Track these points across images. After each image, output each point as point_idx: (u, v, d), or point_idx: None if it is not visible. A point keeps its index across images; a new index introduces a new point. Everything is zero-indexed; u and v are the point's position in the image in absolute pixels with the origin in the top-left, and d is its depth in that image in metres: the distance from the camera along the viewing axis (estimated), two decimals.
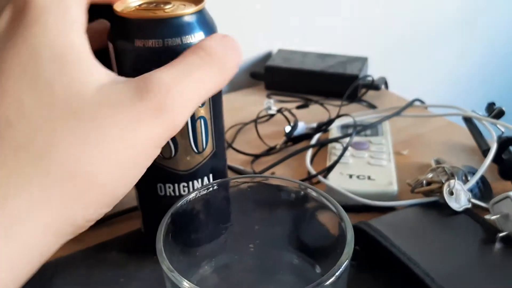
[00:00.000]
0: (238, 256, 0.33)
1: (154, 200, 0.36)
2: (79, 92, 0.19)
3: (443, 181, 0.42)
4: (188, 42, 0.27)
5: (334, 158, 0.49)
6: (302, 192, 0.30)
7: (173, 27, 0.28)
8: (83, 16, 0.22)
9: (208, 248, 0.32)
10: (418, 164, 0.51)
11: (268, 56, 0.77)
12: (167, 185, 0.35)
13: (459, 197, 0.41)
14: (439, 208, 0.41)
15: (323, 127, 0.54)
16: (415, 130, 0.58)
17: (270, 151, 0.54)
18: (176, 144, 0.34)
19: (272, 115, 0.60)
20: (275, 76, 0.69)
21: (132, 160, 0.20)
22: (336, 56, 0.72)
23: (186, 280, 0.22)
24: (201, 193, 0.29)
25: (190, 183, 0.36)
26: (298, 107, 0.62)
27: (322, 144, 0.52)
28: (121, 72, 0.28)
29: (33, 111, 0.19)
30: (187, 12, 0.28)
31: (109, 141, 0.19)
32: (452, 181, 0.41)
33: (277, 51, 0.75)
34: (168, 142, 0.33)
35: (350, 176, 0.46)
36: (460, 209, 0.40)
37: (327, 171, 0.46)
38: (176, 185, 0.35)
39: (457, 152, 0.53)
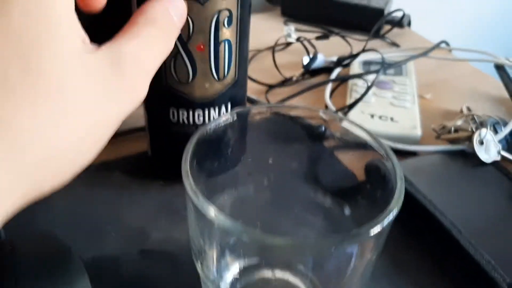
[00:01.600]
0: (254, 189, 0.31)
1: (165, 125, 0.34)
2: (62, 63, 0.18)
3: (473, 130, 0.39)
4: None
5: (356, 95, 0.46)
6: (327, 123, 0.28)
7: None
8: None
9: (225, 178, 0.30)
10: (442, 110, 0.48)
11: None
12: (181, 111, 0.33)
13: (489, 148, 0.38)
14: (466, 157, 0.39)
15: (345, 61, 0.51)
16: (440, 74, 0.55)
17: (286, 82, 0.50)
18: (194, 68, 0.31)
19: (289, 44, 0.56)
20: (293, 2, 0.64)
21: (100, 130, 0.20)
22: None
23: (213, 206, 0.19)
24: (226, 121, 0.26)
25: (206, 111, 0.33)
26: (318, 38, 0.58)
27: (343, 79, 0.49)
28: None
29: (18, 85, 0.17)
30: None
31: (77, 113, 0.18)
32: (483, 130, 0.39)
33: None
34: (185, 65, 0.31)
35: (372, 116, 0.43)
36: (489, 161, 0.38)
37: (348, 108, 0.43)
38: (190, 112, 0.33)
39: (483, 101, 0.50)
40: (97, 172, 0.37)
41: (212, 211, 0.19)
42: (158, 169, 0.38)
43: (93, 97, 0.19)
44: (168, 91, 0.32)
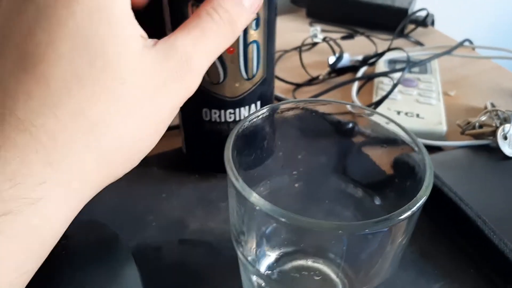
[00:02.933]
0: (287, 181, 0.32)
1: (198, 124, 0.36)
2: (126, 60, 0.20)
3: (497, 125, 0.40)
4: None
5: (382, 93, 0.47)
6: (359, 118, 0.29)
7: None
8: None
9: (260, 171, 0.31)
10: (466, 107, 0.49)
11: None
12: (213, 110, 0.34)
13: None
14: (490, 152, 0.40)
15: (371, 60, 0.52)
16: (463, 71, 0.56)
17: (313, 81, 0.52)
18: (225, 70, 0.32)
19: (315, 44, 0.57)
20: (318, 4, 0.66)
21: (158, 121, 0.22)
22: None
23: (255, 193, 0.21)
24: (262, 115, 0.28)
25: (237, 110, 0.35)
26: (343, 38, 0.59)
27: (370, 78, 0.50)
28: None
29: (89, 80, 0.19)
30: None
31: (138, 106, 0.20)
32: (507, 125, 0.40)
33: None
34: (216, 67, 0.32)
35: (398, 113, 0.45)
36: None
37: (375, 105, 0.45)
38: (222, 111, 0.34)
39: (506, 97, 0.51)
40: (137, 168, 0.39)
41: (253, 196, 0.21)
42: (193, 165, 0.40)
43: (150, 91, 0.21)
44: (200, 92, 0.33)
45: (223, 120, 0.35)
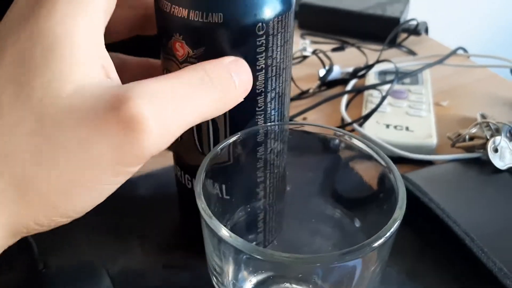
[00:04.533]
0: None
1: (177, 180, 0.32)
2: (57, 95, 0.18)
3: (488, 137, 0.40)
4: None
5: (371, 106, 0.46)
6: (338, 140, 0.29)
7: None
8: (104, 2, 0.20)
9: (243, 194, 0.31)
10: (458, 117, 0.48)
11: None
12: (177, 167, 0.31)
13: (504, 155, 0.39)
14: (481, 165, 0.39)
15: (360, 72, 0.52)
16: (456, 81, 0.55)
17: (303, 94, 0.52)
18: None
19: (305, 57, 0.57)
20: (310, 15, 0.66)
21: (89, 186, 0.18)
22: None
23: (224, 227, 0.21)
24: (233, 141, 0.27)
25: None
26: (334, 50, 0.59)
27: (359, 91, 0.50)
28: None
29: (8, 108, 0.18)
30: None
31: (65, 163, 0.18)
32: (497, 138, 0.39)
33: None
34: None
35: (387, 126, 0.44)
36: (504, 168, 0.38)
37: (363, 119, 0.44)
38: (187, 176, 0.30)
39: (501, 106, 0.51)
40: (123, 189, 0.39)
41: (224, 231, 0.21)
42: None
43: (78, 142, 0.18)
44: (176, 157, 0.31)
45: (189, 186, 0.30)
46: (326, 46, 0.60)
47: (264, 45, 0.24)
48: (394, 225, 0.21)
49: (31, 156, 0.18)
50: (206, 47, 0.23)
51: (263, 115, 0.27)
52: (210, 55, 0.23)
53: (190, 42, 0.23)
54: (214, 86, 0.21)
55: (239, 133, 0.26)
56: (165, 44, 0.25)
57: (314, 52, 0.56)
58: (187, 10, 0.22)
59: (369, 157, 0.27)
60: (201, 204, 0.22)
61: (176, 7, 0.23)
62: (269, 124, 0.27)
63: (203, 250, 0.25)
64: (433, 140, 0.43)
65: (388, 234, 0.21)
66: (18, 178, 0.18)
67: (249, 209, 0.29)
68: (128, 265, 0.33)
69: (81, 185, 0.18)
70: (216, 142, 0.27)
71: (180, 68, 0.24)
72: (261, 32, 0.23)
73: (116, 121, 0.18)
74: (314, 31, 0.64)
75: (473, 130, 0.42)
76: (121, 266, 0.32)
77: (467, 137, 0.41)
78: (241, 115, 0.26)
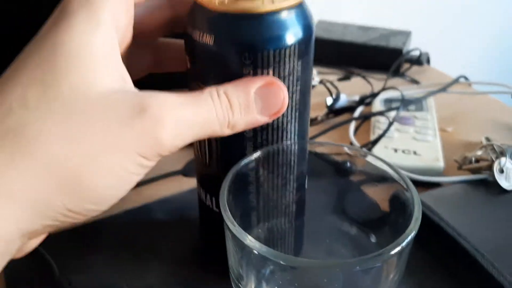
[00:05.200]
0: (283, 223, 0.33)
1: (200, 202, 0.33)
2: (84, 94, 0.21)
3: (493, 159, 0.41)
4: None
5: (378, 131, 0.48)
6: (352, 156, 0.30)
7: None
8: (115, 20, 0.23)
9: (258, 213, 0.32)
10: (464, 142, 0.50)
11: None
12: (207, 194, 0.31)
13: (510, 175, 0.40)
14: (488, 186, 0.41)
15: (367, 99, 0.54)
16: (460, 107, 0.57)
17: (311, 122, 0.53)
18: (211, 152, 0.29)
19: (313, 86, 0.59)
20: (316, 47, 0.68)
21: (116, 171, 0.21)
22: (378, 29, 0.70)
23: (249, 236, 0.22)
24: (257, 158, 0.28)
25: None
26: (340, 79, 0.61)
27: (366, 117, 0.51)
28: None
29: (35, 103, 0.20)
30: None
31: (93, 150, 0.20)
32: (503, 159, 0.41)
33: (317, 22, 0.73)
34: (204, 147, 0.29)
35: (395, 151, 0.46)
36: (510, 188, 0.40)
37: (371, 144, 0.46)
38: (214, 198, 0.31)
39: (504, 131, 0.52)
40: (139, 215, 0.40)
41: (249, 239, 0.22)
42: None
43: (105, 134, 0.20)
44: (196, 168, 0.32)
45: (215, 208, 0.31)
46: (332, 76, 0.62)
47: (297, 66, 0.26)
48: (411, 233, 0.22)
49: (63, 140, 0.20)
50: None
51: (284, 133, 0.28)
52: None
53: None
54: (219, 109, 0.23)
55: (263, 148, 0.28)
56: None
57: (321, 82, 0.58)
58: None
59: (383, 173, 0.28)
60: (226, 215, 0.23)
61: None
62: (292, 141, 0.29)
63: (222, 269, 0.26)
64: (441, 163, 0.44)
65: (406, 241, 0.22)
66: (50, 158, 0.20)
67: (268, 226, 0.31)
68: (148, 283, 0.34)
69: (108, 168, 0.21)
70: (226, 156, 0.28)
71: None
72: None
73: (140, 119, 0.21)
74: (320, 62, 0.67)
75: (479, 153, 0.43)
76: (142, 285, 0.33)
77: (473, 159, 0.43)
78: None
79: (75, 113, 0.20)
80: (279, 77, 0.25)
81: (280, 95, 0.25)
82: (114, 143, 0.21)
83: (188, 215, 0.40)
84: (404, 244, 0.22)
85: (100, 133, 0.20)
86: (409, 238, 0.22)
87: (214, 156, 0.29)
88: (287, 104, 0.25)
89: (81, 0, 0.22)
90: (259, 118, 0.25)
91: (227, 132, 0.24)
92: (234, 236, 0.23)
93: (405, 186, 0.26)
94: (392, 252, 0.21)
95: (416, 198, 0.24)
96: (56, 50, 0.21)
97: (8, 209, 0.19)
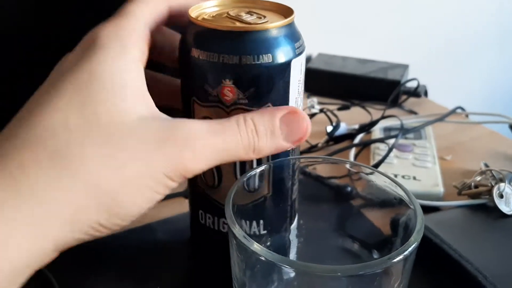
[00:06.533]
0: (286, 243, 0.33)
1: (195, 223, 0.33)
2: (119, 120, 0.22)
3: (493, 184, 0.42)
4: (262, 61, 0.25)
5: (378, 158, 0.49)
6: (352, 172, 0.30)
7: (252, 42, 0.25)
8: (141, 52, 0.25)
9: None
10: (462, 170, 0.50)
11: (307, 59, 0.78)
12: (208, 215, 0.31)
13: (509, 200, 0.41)
14: (487, 210, 0.41)
15: (367, 127, 0.54)
16: (457, 137, 0.58)
17: (312, 148, 0.54)
18: (219, 173, 0.29)
19: (313, 115, 0.60)
20: (315, 79, 0.69)
21: (146, 188, 0.23)
22: (376, 62, 0.72)
23: (256, 243, 0.22)
24: (262, 171, 0.29)
25: None
26: (340, 109, 0.62)
27: (366, 144, 0.52)
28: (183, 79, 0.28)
29: (77, 127, 0.22)
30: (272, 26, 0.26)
31: (128, 169, 0.22)
32: (502, 184, 0.41)
33: (317, 55, 0.75)
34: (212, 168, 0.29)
35: (395, 176, 0.46)
36: (510, 213, 0.40)
37: None
38: (216, 218, 0.31)
39: (501, 159, 0.53)
40: (141, 235, 0.40)
41: (255, 245, 0.22)
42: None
43: (139, 156, 0.22)
44: (198, 191, 0.31)
45: (216, 227, 0.31)
46: (332, 106, 0.63)
47: (300, 78, 0.27)
48: (416, 240, 0.22)
49: (102, 162, 0.22)
50: (256, 86, 0.26)
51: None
52: (259, 93, 0.26)
53: (241, 85, 0.26)
54: (245, 136, 0.25)
55: (266, 164, 0.28)
56: (207, 93, 0.27)
57: (321, 110, 0.59)
58: (239, 56, 0.25)
59: (384, 193, 0.29)
60: (232, 222, 0.24)
61: (226, 55, 0.25)
62: (299, 156, 0.31)
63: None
64: (440, 188, 0.44)
65: (410, 248, 0.22)
66: (91, 180, 0.21)
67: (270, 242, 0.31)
68: None
69: (139, 186, 0.22)
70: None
71: (227, 113, 0.27)
72: (302, 67, 0.27)
73: (168, 144, 0.23)
74: (320, 93, 0.68)
75: (478, 178, 0.43)
76: None
77: (472, 184, 0.43)
78: None
79: (112, 138, 0.22)
80: (261, 92, 0.26)
81: (303, 123, 0.26)
82: (145, 166, 0.22)
83: (189, 235, 0.40)
84: (407, 252, 0.22)
85: (134, 157, 0.22)
86: (413, 246, 0.22)
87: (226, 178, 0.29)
88: (310, 132, 0.27)
89: (111, 34, 0.24)
90: (284, 144, 0.26)
91: (252, 157, 0.25)
92: (238, 242, 0.23)
93: (407, 199, 0.26)
94: (396, 259, 0.22)
95: (419, 210, 0.25)
96: (93, 79, 0.23)
97: (50, 227, 0.21)
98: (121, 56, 0.24)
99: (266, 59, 0.25)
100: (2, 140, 0.22)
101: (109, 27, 0.25)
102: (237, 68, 0.25)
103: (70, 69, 0.23)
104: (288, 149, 0.27)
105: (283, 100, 0.27)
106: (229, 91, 0.26)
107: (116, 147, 0.22)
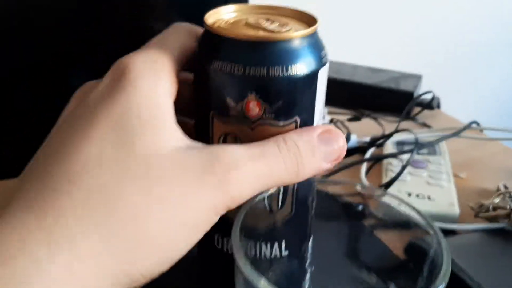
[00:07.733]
0: (297, 267, 0.31)
1: (210, 250, 0.30)
2: (156, 152, 0.21)
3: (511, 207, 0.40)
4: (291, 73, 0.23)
5: (391, 174, 0.47)
6: (376, 199, 0.29)
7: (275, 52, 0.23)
8: (172, 85, 0.24)
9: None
10: (478, 189, 0.48)
11: None
12: (225, 238, 0.29)
13: None
14: (506, 235, 0.39)
15: (379, 141, 0.52)
16: (472, 154, 0.56)
17: None
18: None
19: None
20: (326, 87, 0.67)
21: (190, 225, 0.21)
22: (388, 71, 0.70)
23: (263, 279, 0.20)
24: (270, 195, 0.27)
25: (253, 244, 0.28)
26: (350, 120, 0.60)
27: (379, 159, 0.50)
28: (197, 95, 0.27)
29: (112, 162, 0.21)
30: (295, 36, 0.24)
31: (171, 204, 0.21)
32: None
33: None
34: None
35: (409, 195, 0.44)
36: None
37: (385, 187, 0.44)
38: None
39: None
40: None
41: (262, 282, 0.20)
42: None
43: (183, 188, 0.21)
44: None
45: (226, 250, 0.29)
46: (342, 116, 0.61)
47: (324, 89, 0.26)
48: (441, 285, 0.20)
49: (141, 198, 0.20)
50: (284, 99, 0.24)
51: None
52: (287, 107, 0.24)
53: (268, 98, 0.24)
54: (289, 158, 0.23)
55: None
56: (228, 108, 0.25)
57: (331, 121, 0.57)
58: (266, 67, 0.23)
59: (404, 217, 0.27)
60: (239, 256, 0.22)
61: (253, 67, 0.23)
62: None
63: None
64: (456, 209, 0.42)
65: None
66: (128, 219, 0.20)
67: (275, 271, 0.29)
68: None
69: (183, 224, 0.21)
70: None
71: (251, 128, 0.25)
72: (326, 77, 0.25)
73: (211, 175, 0.21)
74: (331, 103, 0.66)
75: (496, 200, 0.41)
76: None
77: (490, 207, 0.41)
78: None
79: (151, 171, 0.21)
80: (289, 106, 0.25)
81: (339, 141, 0.25)
82: (189, 200, 0.21)
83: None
84: None
85: (176, 191, 0.21)
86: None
87: None
88: (345, 150, 0.25)
89: (145, 65, 0.23)
90: (324, 165, 0.25)
91: (295, 180, 0.24)
92: (245, 278, 0.21)
93: (431, 231, 0.24)
94: None
95: (445, 245, 0.23)
96: (129, 112, 0.22)
97: (94, 281, 0.19)
98: (156, 89, 0.23)
99: (294, 70, 0.23)
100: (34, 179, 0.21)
101: (141, 58, 0.23)
102: (265, 80, 0.23)
103: (103, 100, 0.22)
104: (328, 170, 0.25)
105: (310, 112, 0.25)
106: (254, 105, 0.24)
107: (155, 182, 0.21)
